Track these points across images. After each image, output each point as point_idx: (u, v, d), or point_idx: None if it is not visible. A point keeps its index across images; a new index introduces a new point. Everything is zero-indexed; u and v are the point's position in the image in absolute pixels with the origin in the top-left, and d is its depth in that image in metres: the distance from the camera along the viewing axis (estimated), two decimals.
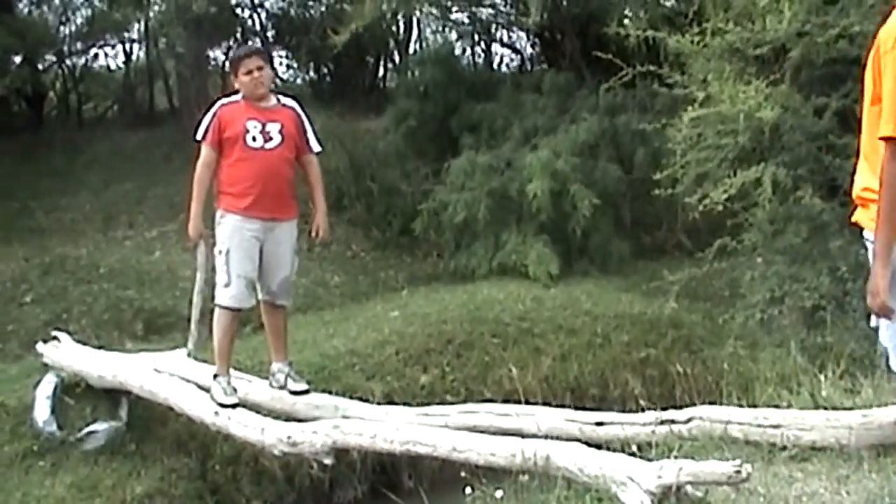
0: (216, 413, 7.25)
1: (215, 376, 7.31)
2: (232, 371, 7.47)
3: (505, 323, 10.59)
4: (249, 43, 19.25)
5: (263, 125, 7.02)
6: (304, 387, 7.42)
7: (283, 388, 7.40)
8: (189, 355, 8.12)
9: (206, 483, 8.68)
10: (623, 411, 6.82)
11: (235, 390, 7.27)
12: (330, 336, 10.28)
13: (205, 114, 7.18)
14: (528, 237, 12.11)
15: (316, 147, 7.32)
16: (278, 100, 7.23)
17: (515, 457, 5.64)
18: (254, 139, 7.00)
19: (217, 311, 7.19)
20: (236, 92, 7.15)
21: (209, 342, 9.91)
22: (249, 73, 7.02)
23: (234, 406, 7.17)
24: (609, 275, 12.13)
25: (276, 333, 7.53)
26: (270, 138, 7.04)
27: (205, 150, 7.12)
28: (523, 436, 6.15)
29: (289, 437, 6.65)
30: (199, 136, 7.13)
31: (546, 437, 6.10)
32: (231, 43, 20.41)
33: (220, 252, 7.10)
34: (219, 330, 7.23)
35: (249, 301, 7.17)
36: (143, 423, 8.84)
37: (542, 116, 13.44)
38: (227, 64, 7.49)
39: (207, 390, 7.45)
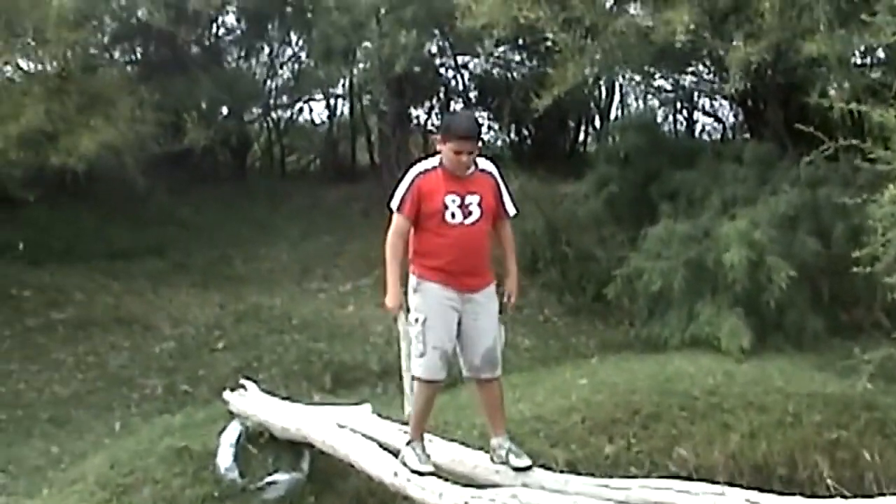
0: (395, 474, 7.21)
1: (409, 442, 7.18)
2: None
3: (694, 396, 10.34)
4: (454, 107, 19.41)
5: (462, 198, 6.80)
6: (527, 462, 7.07)
7: (504, 463, 7.09)
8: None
9: None
10: (811, 495, 6.65)
11: (429, 457, 7.12)
12: (517, 400, 10.15)
13: (401, 179, 6.96)
14: (722, 309, 11.89)
15: (511, 211, 7.12)
16: (476, 164, 6.94)
17: None
18: (453, 216, 6.79)
19: (415, 382, 7.06)
20: (435, 153, 6.92)
21: (391, 398, 10.05)
22: (458, 153, 6.73)
23: (429, 474, 6.99)
24: (803, 351, 11.79)
25: (492, 407, 7.26)
26: (470, 213, 6.82)
27: (399, 219, 6.91)
28: None
29: (466, 503, 6.63)
30: (394, 205, 6.90)
31: None
32: (434, 102, 20.73)
33: (417, 321, 6.94)
34: (419, 402, 7.09)
35: (442, 374, 6.99)
36: (324, 476, 8.91)
37: (742, 186, 13.22)
38: (441, 125, 7.16)
39: (395, 454, 7.41)
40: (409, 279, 7.02)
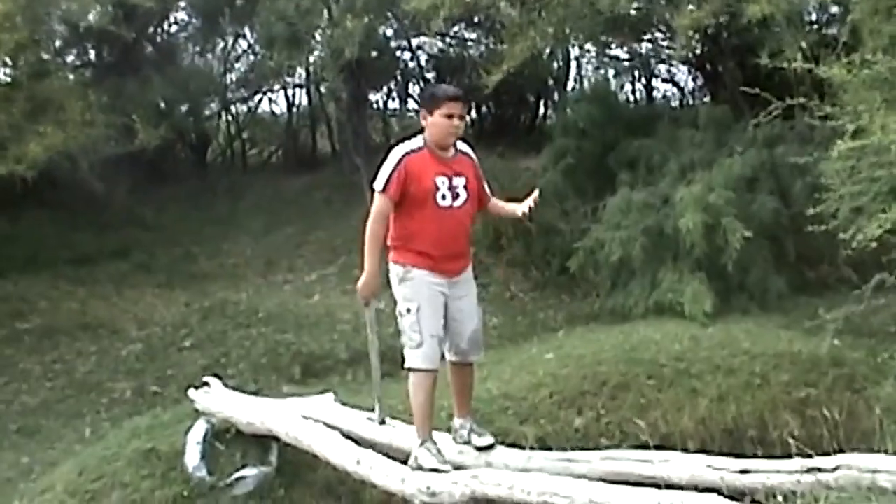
0: (358, 462, 7.22)
1: (422, 443, 6.86)
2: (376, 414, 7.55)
3: (661, 364, 10.31)
4: (412, 89, 19.40)
5: (451, 180, 6.64)
6: (489, 441, 7.05)
7: (467, 443, 7.07)
8: (380, 423, 7.79)
9: None
10: (782, 455, 6.61)
11: (443, 455, 6.83)
12: (484, 379, 10.07)
13: (383, 160, 6.73)
14: (683, 275, 11.88)
15: (489, 193, 7.02)
16: (455, 147, 6.79)
17: None
18: (443, 197, 6.62)
19: (412, 375, 6.78)
20: (415, 135, 6.74)
21: (359, 384, 10.01)
22: (450, 117, 6.56)
23: (445, 471, 6.72)
24: (769, 312, 11.77)
25: (462, 390, 7.19)
26: (458, 195, 6.67)
27: (383, 200, 6.62)
28: (665, 485, 6.03)
29: (428, 487, 6.60)
30: (379, 186, 6.62)
31: (687, 485, 5.97)
32: (391, 85, 20.70)
33: (409, 311, 6.70)
34: (420, 394, 6.78)
35: (438, 362, 6.79)
36: (292, 468, 8.88)
37: (699, 151, 13.23)
38: (425, 98, 6.93)
39: (358, 442, 7.48)
40: (390, 269, 6.84)
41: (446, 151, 6.70)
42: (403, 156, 6.65)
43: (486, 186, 6.98)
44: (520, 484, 6.33)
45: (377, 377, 7.65)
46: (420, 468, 6.76)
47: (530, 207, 6.88)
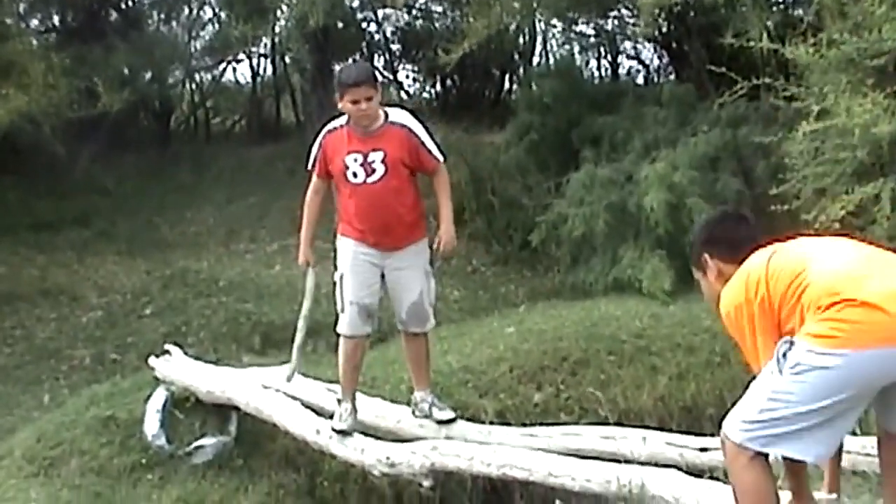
0: (318, 431, 7.33)
1: (339, 401, 7.26)
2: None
3: (621, 340, 10.37)
4: (364, 60, 19.33)
5: (365, 157, 6.68)
6: (450, 415, 7.17)
7: (427, 417, 7.16)
8: (288, 380, 8.01)
9: (314, 500, 8.73)
10: None
11: (355, 415, 7.18)
12: (444, 352, 10.12)
13: (313, 141, 6.97)
14: (644, 252, 11.91)
15: (439, 156, 6.91)
16: (386, 116, 6.80)
17: (611, 483, 5.63)
18: (354, 175, 6.72)
19: (340, 339, 7.08)
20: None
21: (319, 356, 10.03)
22: (356, 102, 6.57)
23: (345, 433, 7.13)
24: None
25: (416, 362, 7.30)
26: (373, 170, 6.71)
27: (313, 178, 7.01)
28: (624, 460, 6.07)
29: (387, 458, 6.69)
30: (308, 166, 6.97)
31: (647, 462, 6.02)
32: (357, 57, 20.60)
33: (338, 278, 6.97)
34: (341, 358, 7.12)
35: (363, 329, 6.98)
36: (251, 438, 8.93)
37: (662, 129, 13.22)
38: (335, 82, 7.06)
39: (318, 413, 7.62)
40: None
41: (368, 127, 6.73)
42: (324, 136, 6.90)
43: (433, 152, 6.89)
44: (479, 456, 6.44)
45: (300, 339, 7.83)
46: (332, 428, 7.21)
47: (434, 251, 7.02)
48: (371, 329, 7.13)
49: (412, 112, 7.10)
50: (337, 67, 19.19)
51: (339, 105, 6.72)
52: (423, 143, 6.85)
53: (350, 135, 6.75)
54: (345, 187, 6.83)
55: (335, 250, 7.08)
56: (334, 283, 7.06)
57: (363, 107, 6.61)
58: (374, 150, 6.72)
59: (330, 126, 6.88)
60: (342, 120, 6.81)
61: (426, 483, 6.73)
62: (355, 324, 6.93)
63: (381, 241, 6.89)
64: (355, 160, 6.71)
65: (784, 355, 3.96)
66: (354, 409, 7.23)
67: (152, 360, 9.70)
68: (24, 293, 14.12)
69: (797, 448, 3.98)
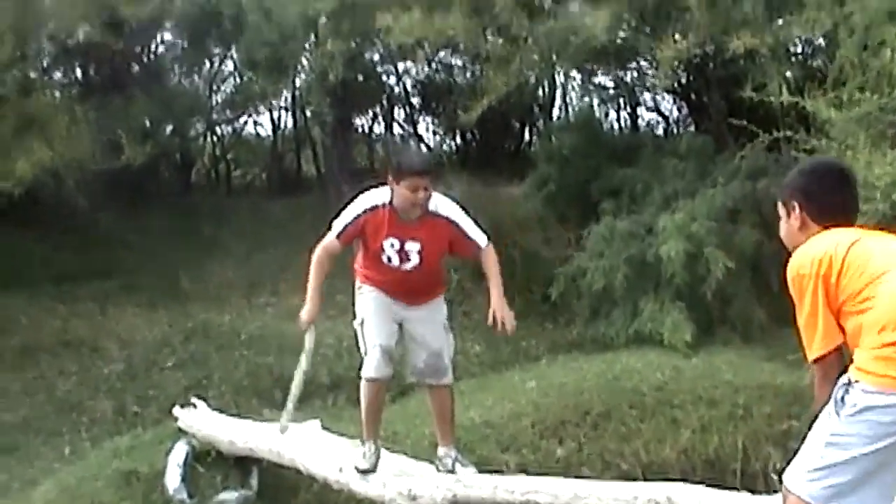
0: (340, 469, 7.36)
1: (362, 442, 7.28)
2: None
3: (642, 393, 10.27)
4: (397, 113, 19.40)
5: (402, 244, 6.72)
6: (473, 471, 7.15)
7: (451, 472, 7.12)
8: (281, 432, 7.95)
9: None
10: (764, 490, 6.67)
11: (378, 454, 7.22)
12: (466, 407, 10.02)
13: (349, 202, 6.88)
14: (665, 304, 11.89)
15: (482, 242, 6.86)
16: (433, 206, 6.73)
17: (637, 499, 5.61)
18: (389, 259, 6.77)
19: (362, 383, 7.10)
20: (384, 182, 6.78)
21: (343, 411, 10.02)
22: (415, 190, 6.55)
23: (369, 471, 7.16)
24: (751, 343, 11.81)
25: (440, 416, 7.29)
26: (408, 259, 6.77)
27: (333, 242, 6.83)
28: None
29: (409, 490, 6.71)
30: (334, 229, 6.82)
31: None
32: (377, 110, 20.72)
33: (359, 323, 7.00)
34: (364, 401, 7.14)
35: (387, 371, 6.97)
36: (273, 492, 8.86)
37: (681, 181, 13.25)
38: (392, 164, 6.86)
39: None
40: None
41: (410, 214, 6.72)
42: (363, 212, 6.77)
43: (476, 240, 6.85)
44: (503, 484, 6.52)
45: (294, 394, 7.78)
46: (356, 468, 7.21)
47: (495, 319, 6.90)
48: (392, 372, 7.13)
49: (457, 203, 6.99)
50: (358, 120, 19.37)
51: (392, 187, 6.68)
52: (465, 233, 6.81)
53: (391, 218, 6.72)
54: (377, 262, 6.86)
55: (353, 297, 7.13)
56: (355, 332, 7.10)
57: (420, 196, 6.59)
58: (412, 239, 6.73)
59: (371, 202, 6.79)
60: (384, 197, 6.75)
61: None
62: (380, 366, 6.93)
63: (405, 301, 6.97)
64: (392, 245, 6.74)
65: (842, 399, 3.92)
66: (377, 449, 7.28)
67: (176, 411, 9.71)
68: (46, 345, 14.16)
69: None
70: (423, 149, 20.99)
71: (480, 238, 6.87)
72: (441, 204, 6.80)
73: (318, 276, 6.97)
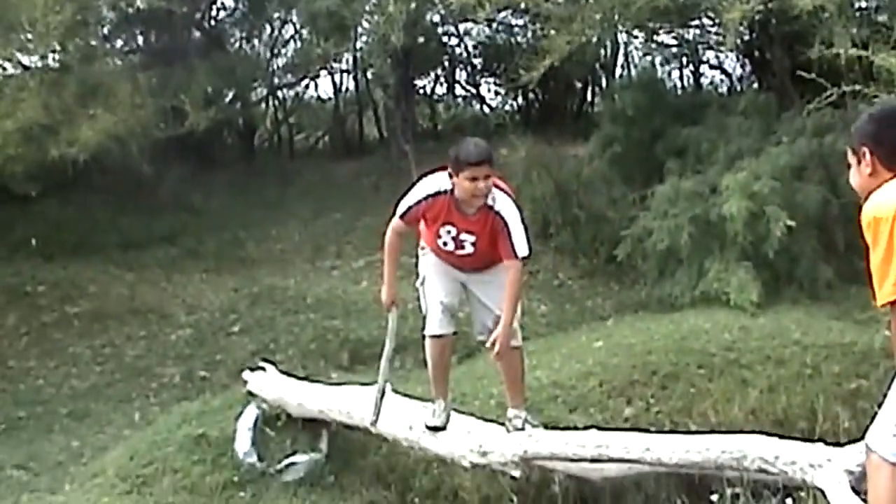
0: (410, 427, 7.49)
1: (432, 400, 7.45)
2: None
3: (711, 353, 10.25)
4: (459, 75, 19.31)
5: (458, 233, 6.83)
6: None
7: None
8: (372, 425, 7.88)
9: None
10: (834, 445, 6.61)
11: (448, 412, 7.39)
12: (533, 367, 9.96)
13: (415, 183, 7.00)
14: (730, 264, 11.80)
15: (522, 253, 6.77)
16: (492, 201, 6.75)
17: (710, 451, 5.73)
18: (445, 244, 6.90)
19: (426, 341, 7.21)
20: (446, 167, 6.79)
21: (411, 372, 10.05)
22: (474, 180, 6.57)
23: (438, 428, 7.32)
24: (819, 302, 11.72)
25: (510, 378, 7.31)
26: (462, 247, 6.88)
27: (400, 223, 6.98)
28: None
29: (480, 446, 6.75)
30: (399, 209, 6.93)
31: None
32: (439, 71, 20.66)
33: (420, 283, 7.17)
34: (429, 360, 7.30)
35: (449, 328, 7.10)
36: (343, 455, 8.97)
37: (746, 139, 13.16)
38: (451, 158, 6.76)
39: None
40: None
41: (471, 205, 6.76)
42: (426, 197, 6.87)
43: (516, 246, 6.76)
44: (574, 440, 6.56)
45: (382, 383, 7.70)
46: (426, 425, 7.41)
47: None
48: (455, 329, 7.23)
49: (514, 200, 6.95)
50: (420, 82, 19.31)
51: (453, 179, 6.71)
52: (511, 237, 6.75)
53: (451, 207, 6.80)
54: (432, 237, 6.99)
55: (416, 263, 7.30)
56: (418, 291, 7.23)
57: (480, 185, 6.62)
58: (467, 231, 6.83)
59: (435, 188, 6.84)
60: (446, 184, 6.79)
61: (515, 473, 6.81)
62: (442, 323, 7.06)
63: (465, 269, 7.10)
64: (448, 232, 6.85)
65: None
66: (447, 406, 7.40)
67: (247, 374, 9.80)
68: (114, 312, 14.28)
69: None
70: (484, 107, 21.00)
71: (521, 248, 6.79)
72: (501, 202, 6.80)
73: (391, 257, 7.19)
